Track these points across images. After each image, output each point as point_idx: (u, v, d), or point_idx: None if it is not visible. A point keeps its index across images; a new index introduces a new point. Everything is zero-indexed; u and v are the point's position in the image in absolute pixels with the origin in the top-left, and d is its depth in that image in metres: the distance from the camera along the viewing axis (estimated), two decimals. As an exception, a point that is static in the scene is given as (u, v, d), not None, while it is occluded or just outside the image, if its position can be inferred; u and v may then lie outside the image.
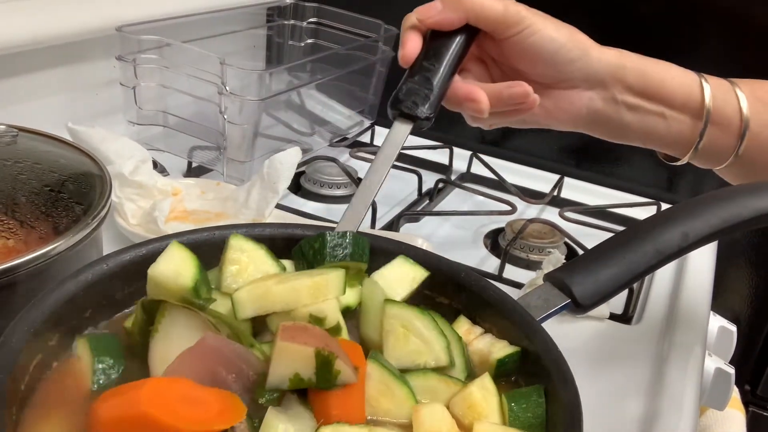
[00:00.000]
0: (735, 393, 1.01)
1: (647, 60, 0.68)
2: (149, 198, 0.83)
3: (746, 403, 1.20)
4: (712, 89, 0.66)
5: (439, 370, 0.47)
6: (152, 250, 0.49)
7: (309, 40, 1.27)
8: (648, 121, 0.68)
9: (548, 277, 0.52)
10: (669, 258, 0.51)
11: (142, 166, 0.84)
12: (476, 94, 0.62)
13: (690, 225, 0.51)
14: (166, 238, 0.52)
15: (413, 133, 0.61)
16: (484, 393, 0.45)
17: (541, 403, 0.45)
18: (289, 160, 0.85)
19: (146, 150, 0.86)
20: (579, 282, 0.49)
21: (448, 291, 0.54)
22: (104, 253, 0.63)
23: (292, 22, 1.27)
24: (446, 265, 0.54)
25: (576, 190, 1.14)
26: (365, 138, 1.23)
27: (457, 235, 1.00)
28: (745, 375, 1.20)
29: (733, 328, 0.99)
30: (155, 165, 0.99)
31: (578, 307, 0.49)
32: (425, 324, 0.47)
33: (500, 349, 0.48)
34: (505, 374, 0.48)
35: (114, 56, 0.95)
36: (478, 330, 0.51)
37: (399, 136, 0.59)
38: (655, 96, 0.67)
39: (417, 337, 0.47)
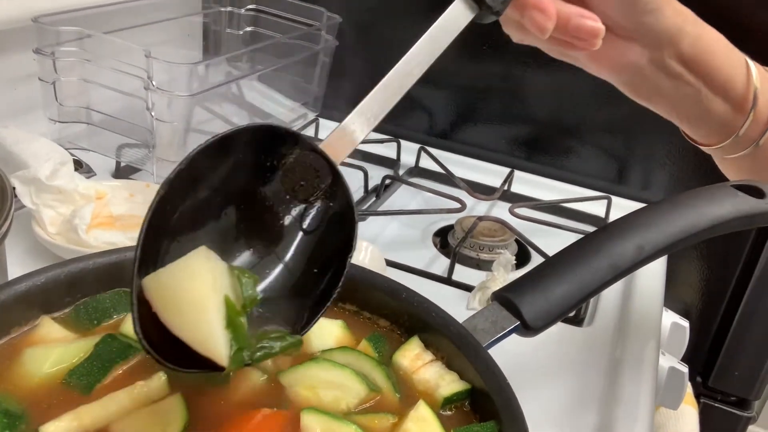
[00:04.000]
0: (687, 388, 0.99)
1: (706, 28, 0.63)
2: (70, 203, 0.77)
3: (698, 395, 1.19)
4: (757, 72, 0.64)
5: (367, 407, 0.43)
6: (52, 277, 0.43)
7: (248, 28, 1.20)
8: (681, 92, 0.64)
9: (496, 297, 0.48)
10: (625, 272, 0.47)
11: (62, 168, 0.77)
12: (547, 6, 0.54)
13: (645, 236, 0.48)
14: (73, 262, 0.47)
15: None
16: (421, 425, 0.42)
17: None
18: (223, 160, 0.80)
19: (67, 151, 0.79)
20: (528, 302, 0.45)
21: (388, 313, 0.49)
22: (11, 270, 0.57)
23: (229, 8, 1.20)
24: (386, 284, 0.49)
25: (526, 183, 1.11)
26: (309, 131, 1.18)
27: (405, 234, 0.96)
28: (696, 367, 1.19)
29: (686, 324, 0.97)
30: (80, 165, 0.92)
31: (528, 329, 0.45)
32: (326, 369, 0.43)
33: (448, 383, 0.44)
34: (452, 407, 0.44)
35: (31, 49, 0.88)
36: (429, 356, 0.47)
37: (458, 18, 0.48)
38: (700, 70, 0.63)
39: (326, 387, 0.43)
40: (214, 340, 0.36)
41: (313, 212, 0.45)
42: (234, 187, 0.42)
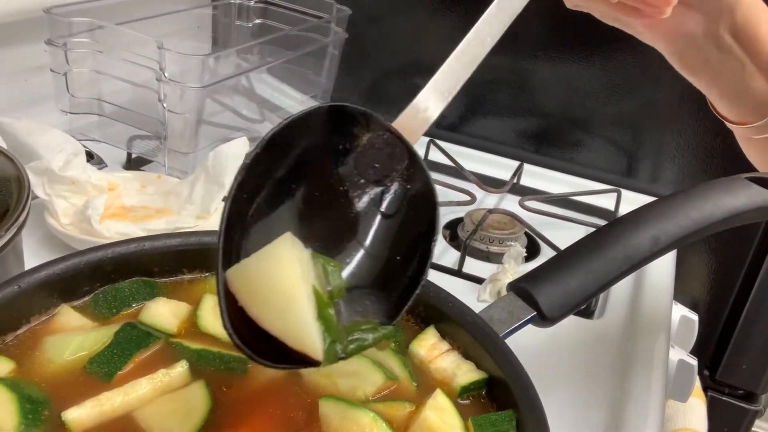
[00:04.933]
0: (696, 381, 0.99)
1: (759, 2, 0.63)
2: (83, 194, 0.77)
3: (705, 389, 1.19)
4: None
5: (384, 395, 0.43)
6: (71, 266, 0.43)
7: (257, 20, 1.20)
8: (726, 66, 0.64)
9: (512, 287, 0.48)
10: (640, 264, 0.47)
11: (74, 159, 0.77)
12: None
13: (661, 227, 0.48)
14: (93, 251, 0.47)
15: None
16: (439, 414, 0.42)
17: None
18: (235, 151, 0.80)
19: (79, 142, 0.80)
20: (545, 293, 0.46)
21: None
22: (25, 260, 0.58)
23: (238, 0, 1.20)
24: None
25: (536, 177, 1.11)
26: (318, 124, 1.18)
27: (414, 227, 0.97)
28: (704, 360, 1.19)
29: (695, 317, 0.97)
30: (92, 156, 0.93)
31: (544, 320, 0.46)
32: None
33: (465, 372, 0.44)
34: (469, 396, 0.44)
35: (43, 40, 0.88)
36: (445, 346, 0.47)
37: None
38: (747, 42, 0.62)
39: (343, 376, 0.42)
40: (307, 332, 0.34)
41: (390, 195, 0.42)
42: (308, 172, 0.40)
